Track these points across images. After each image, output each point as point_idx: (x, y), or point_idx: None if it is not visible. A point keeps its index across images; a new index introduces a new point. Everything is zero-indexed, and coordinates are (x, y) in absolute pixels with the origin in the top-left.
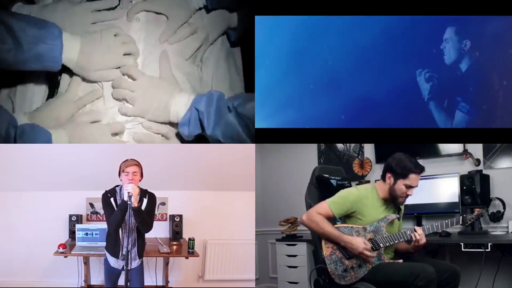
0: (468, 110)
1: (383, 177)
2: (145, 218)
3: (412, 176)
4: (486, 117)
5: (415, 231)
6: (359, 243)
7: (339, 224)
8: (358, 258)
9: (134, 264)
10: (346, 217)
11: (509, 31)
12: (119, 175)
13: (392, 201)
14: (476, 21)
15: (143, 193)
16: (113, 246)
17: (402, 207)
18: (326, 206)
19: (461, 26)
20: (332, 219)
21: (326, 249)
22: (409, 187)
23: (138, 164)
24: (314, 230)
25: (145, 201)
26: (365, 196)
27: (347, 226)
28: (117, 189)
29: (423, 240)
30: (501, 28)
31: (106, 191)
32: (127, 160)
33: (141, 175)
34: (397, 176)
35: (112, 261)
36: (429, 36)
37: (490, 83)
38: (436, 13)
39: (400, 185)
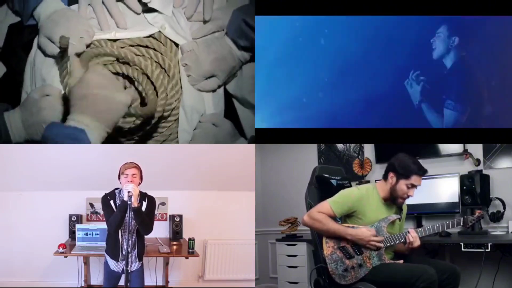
0: (454, 106)
1: (385, 177)
2: (145, 219)
3: (415, 177)
4: (473, 112)
5: (409, 233)
6: (365, 232)
7: (340, 224)
8: (358, 258)
9: (134, 266)
10: (347, 216)
11: (501, 31)
12: (119, 178)
13: (392, 201)
14: (468, 21)
15: (143, 196)
16: (113, 249)
17: (405, 209)
18: (328, 205)
19: (453, 24)
20: (332, 219)
21: (327, 249)
22: (410, 186)
23: (138, 167)
24: (318, 229)
25: (144, 204)
26: (366, 196)
27: (349, 226)
28: (117, 192)
29: (417, 243)
30: (492, 28)
31: (105, 193)
32: (126, 163)
33: (141, 178)
34: (400, 176)
35: (112, 264)
36: (425, 35)
37: (475, 81)
38: (431, 13)
39: (402, 185)
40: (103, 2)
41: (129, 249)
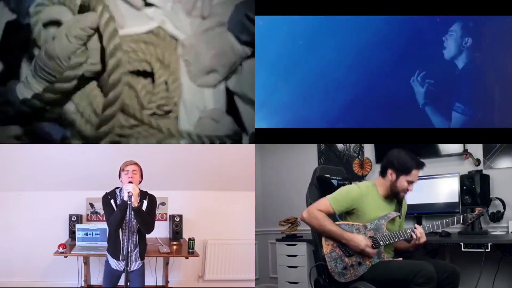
0: (463, 110)
1: (383, 173)
2: (146, 218)
3: (415, 172)
4: (483, 116)
5: (415, 229)
6: (361, 240)
7: (339, 222)
8: (358, 256)
9: (135, 266)
10: (347, 214)
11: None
12: (119, 176)
13: (393, 196)
14: (481, 21)
15: (143, 194)
16: (114, 248)
17: (405, 206)
18: (327, 202)
19: (466, 23)
20: (332, 216)
21: (326, 247)
22: (410, 182)
23: (138, 164)
24: (314, 227)
25: (145, 202)
26: (366, 193)
27: (348, 224)
28: (117, 191)
29: (424, 239)
30: (504, 29)
31: (106, 193)
32: (126, 161)
33: (141, 176)
34: (400, 172)
35: (113, 263)
36: (431, 36)
37: (486, 83)
38: (440, 13)
39: (403, 181)
40: None
41: (130, 249)
